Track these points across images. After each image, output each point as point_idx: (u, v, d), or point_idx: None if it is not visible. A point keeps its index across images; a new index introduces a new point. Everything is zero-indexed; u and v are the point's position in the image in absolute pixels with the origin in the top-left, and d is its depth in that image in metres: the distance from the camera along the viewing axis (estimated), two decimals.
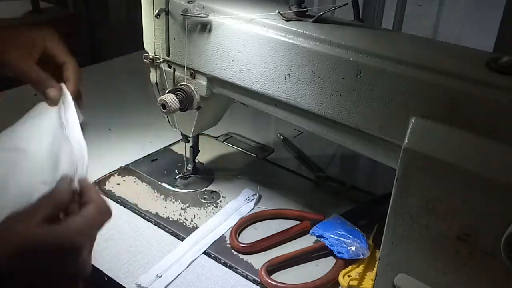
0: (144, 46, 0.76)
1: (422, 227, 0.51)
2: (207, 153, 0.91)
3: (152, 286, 0.63)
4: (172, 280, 0.64)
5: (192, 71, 0.72)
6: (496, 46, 1.06)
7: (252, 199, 0.79)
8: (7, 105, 1.06)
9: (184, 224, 0.75)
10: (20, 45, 0.75)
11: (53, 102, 0.74)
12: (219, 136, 0.98)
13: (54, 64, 0.76)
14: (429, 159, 0.48)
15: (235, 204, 0.78)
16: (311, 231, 0.71)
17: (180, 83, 0.74)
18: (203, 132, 0.88)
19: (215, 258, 0.69)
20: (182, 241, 0.71)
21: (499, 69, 0.49)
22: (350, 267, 0.66)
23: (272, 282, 0.64)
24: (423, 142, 0.50)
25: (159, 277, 0.64)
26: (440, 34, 1.18)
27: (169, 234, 0.73)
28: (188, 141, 0.82)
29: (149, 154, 0.92)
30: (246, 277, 0.66)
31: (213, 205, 0.79)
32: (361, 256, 0.66)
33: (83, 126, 0.77)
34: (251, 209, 0.78)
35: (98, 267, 0.66)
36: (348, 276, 0.65)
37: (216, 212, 0.77)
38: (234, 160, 0.92)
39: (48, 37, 0.76)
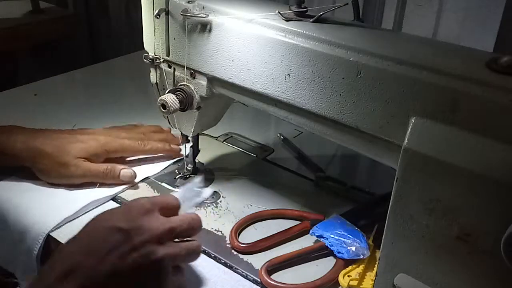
0: (144, 46, 0.76)
1: (422, 227, 0.51)
2: (207, 153, 0.91)
3: None
4: None
5: (192, 71, 0.72)
6: (496, 46, 1.06)
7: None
8: (7, 105, 1.06)
9: None
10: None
11: (130, 181, 0.80)
12: (219, 136, 0.98)
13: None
14: (429, 159, 0.48)
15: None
16: (311, 231, 0.71)
17: (180, 83, 0.74)
18: (203, 132, 0.88)
19: (215, 258, 0.69)
20: None
21: (499, 69, 0.49)
22: (350, 267, 0.66)
23: (272, 282, 0.64)
24: (423, 142, 0.50)
25: None
26: (440, 34, 1.18)
27: None
28: (188, 141, 0.82)
29: None
30: (246, 277, 0.66)
31: (213, 205, 0.79)
32: (361, 256, 0.66)
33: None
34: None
35: None
36: (348, 276, 0.65)
37: (216, 212, 0.77)
38: (234, 160, 0.92)
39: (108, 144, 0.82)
